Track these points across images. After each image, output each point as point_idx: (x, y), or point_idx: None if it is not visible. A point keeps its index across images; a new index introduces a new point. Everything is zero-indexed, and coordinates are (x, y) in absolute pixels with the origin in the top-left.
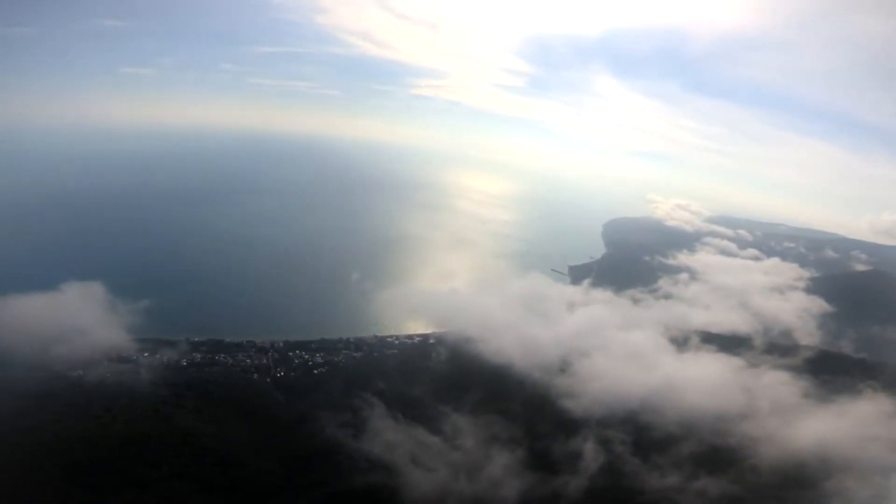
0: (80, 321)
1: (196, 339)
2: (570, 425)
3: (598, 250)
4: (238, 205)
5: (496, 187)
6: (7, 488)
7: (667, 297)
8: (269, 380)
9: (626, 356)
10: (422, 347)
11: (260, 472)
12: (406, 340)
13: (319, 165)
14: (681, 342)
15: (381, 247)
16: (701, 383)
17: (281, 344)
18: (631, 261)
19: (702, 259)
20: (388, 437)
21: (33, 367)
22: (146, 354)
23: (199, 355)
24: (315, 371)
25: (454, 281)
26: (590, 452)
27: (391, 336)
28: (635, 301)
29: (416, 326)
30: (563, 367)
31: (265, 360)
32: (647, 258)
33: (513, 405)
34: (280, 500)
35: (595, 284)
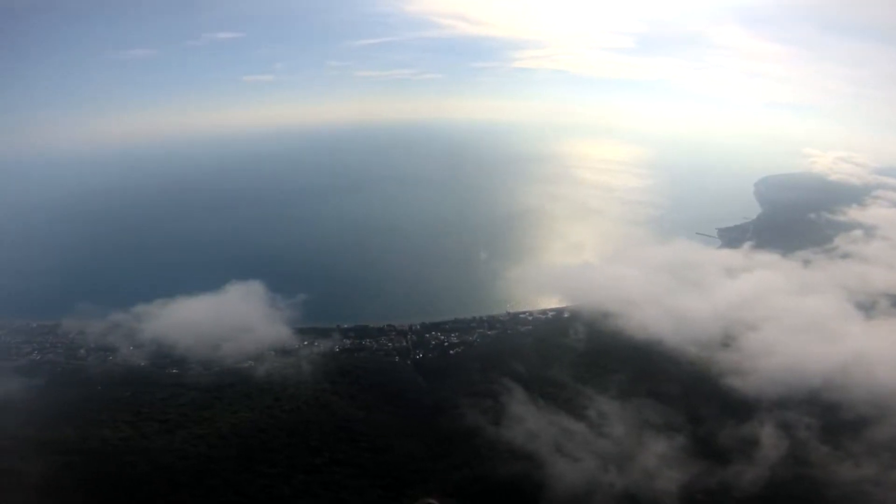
0: (246, 318)
1: (345, 327)
2: (739, 407)
3: (751, 211)
4: (366, 196)
5: (620, 154)
6: (190, 477)
7: (844, 256)
8: (409, 362)
9: (803, 326)
10: (556, 323)
11: (405, 456)
12: (539, 316)
13: (435, 150)
14: (868, 307)
15: (506, 223)
16: (894, 354)
17: (418, 326)
18: (794, 220)
19: (876, 213)
20: (528, 423)
21: (209, 364)
22: (305, 344)
23: (348, 341)
24: (451, 351)
25: (585, 253)
26: (768, 438)
27: (524, 312)
28: (806, 263)
29: (549, 302)
30: (726, 342)
31: (405, 343)
32: (812, 216)
33: (667, 386)
34: (425, 485)
35: (756, 247)
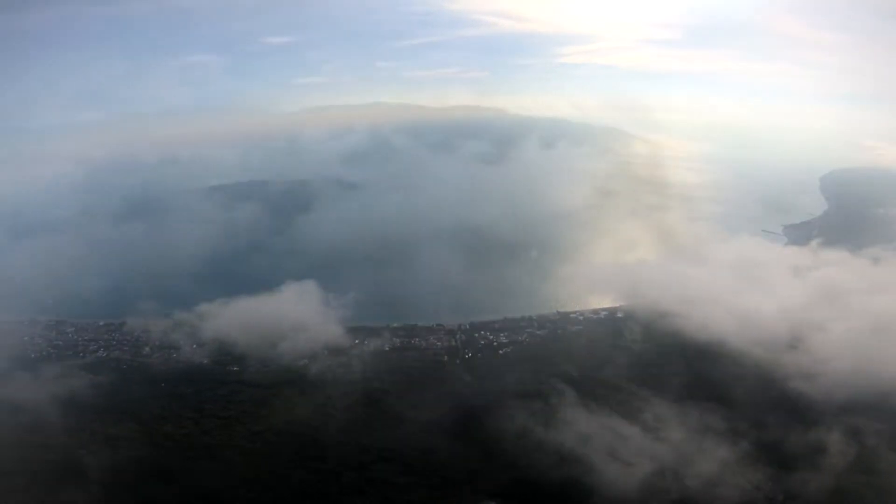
0: (301, 317)
1: (394, 326)
2: (806, 412)
3: (817, 207)
4: (415, 195)
5: (676, 149)
6: (248, 473)
7: None
8: (458, 361)
9: (874, 327)
10: (609, 323)
11: (453, 456)
12: (591, 316)
13: (483, 148)
14: None
15: (556, 221)
16: None
17: (467, 325)
18: (862, 215)
19: None
20: (579, 426)
21: (267, 362)
22: (356, 342)
23: (398, 340)
24: (500, 351)
25: (641, 251)
26: (835, 445)
27: (574, 312)
28: (876, 260)
29: (601, 301)
30: (793, 343)
31: (453, 342)
32: (880, 211)
33: (729, 389)
34: (472, 485)
35: (824, 244)
